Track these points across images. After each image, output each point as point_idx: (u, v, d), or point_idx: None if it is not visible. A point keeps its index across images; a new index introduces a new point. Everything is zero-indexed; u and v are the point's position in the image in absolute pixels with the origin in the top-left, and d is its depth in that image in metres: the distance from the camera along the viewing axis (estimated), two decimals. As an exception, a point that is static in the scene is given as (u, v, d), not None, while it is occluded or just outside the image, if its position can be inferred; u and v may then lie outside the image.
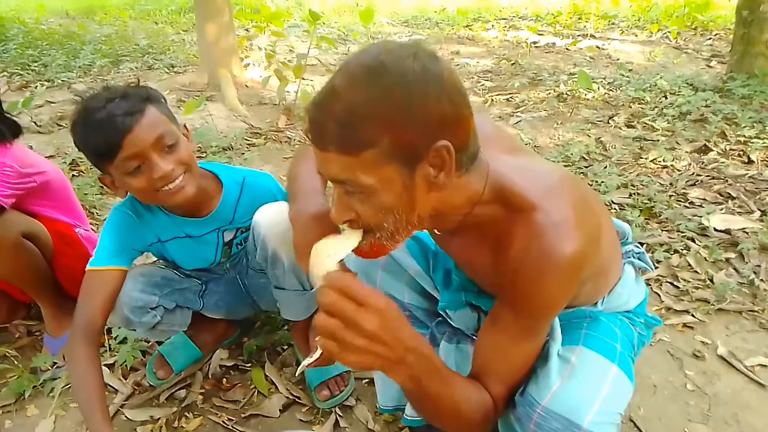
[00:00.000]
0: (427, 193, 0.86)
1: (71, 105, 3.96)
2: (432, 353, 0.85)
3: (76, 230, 1.80)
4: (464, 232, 1.00)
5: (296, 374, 1.59)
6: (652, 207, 2.39)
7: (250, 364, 1.71)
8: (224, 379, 1.67)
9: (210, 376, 1.68)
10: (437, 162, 0.83)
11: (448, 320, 1.22)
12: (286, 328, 1.81)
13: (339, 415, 1.52)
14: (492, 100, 3.92)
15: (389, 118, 0.81)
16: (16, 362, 1.73)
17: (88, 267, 1.38)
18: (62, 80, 4.45)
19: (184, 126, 1.38)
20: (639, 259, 1.23)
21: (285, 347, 1.77)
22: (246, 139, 3.36)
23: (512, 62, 4.74)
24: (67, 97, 4.12)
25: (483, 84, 4.28)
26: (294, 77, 3.75)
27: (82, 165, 3.01)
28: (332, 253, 0.92)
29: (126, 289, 1.42)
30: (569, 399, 0.93)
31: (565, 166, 2.79)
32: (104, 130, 1.22)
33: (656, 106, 3.52)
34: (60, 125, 3.61)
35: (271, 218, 1.40)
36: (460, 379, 0.92)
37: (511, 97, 3.91)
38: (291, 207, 1.15)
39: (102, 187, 2.71)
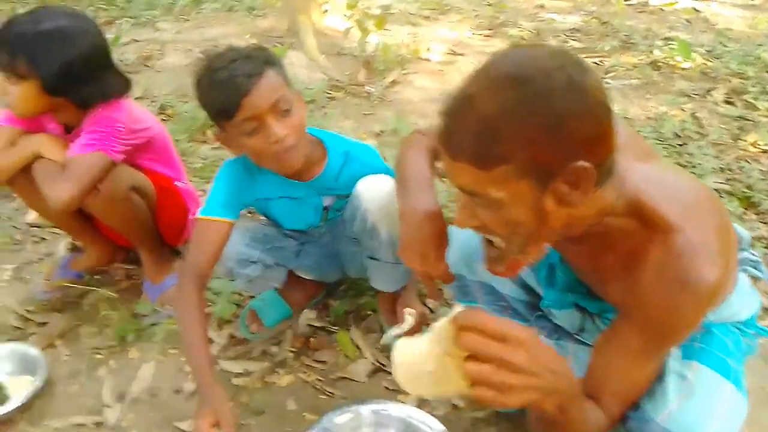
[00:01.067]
0: (558, 208, 0.84)
1: (157, 44, 4.06)
2: (572, 373, 0.84)
3: (176, 183, 1.86)
4: (587, 239, 0.97)
5: (382, 343, 1.63)
6: (751, 196, 2.28)
7: (335, 327, 1.77)
8: (312, 339, 1.73)
9: (298, 335, 1.75)
10: (573, 180, 0.81)
11: (551, 318, 1.21)
12: (370, 294, 1.85)
13: (424, 388, 1.56)
14: (579, 63, 3.75)
15: (529, 135, 0.78)
16: (117, 303, 1.84)
17: (199, 215, 1.44)
18: (146, 18, 4.50)
19: (299, 92, 1.40)
20: (755, 267, 1.19)
21: (369, 312, 1.81)
22: (326, 92, 3.35)
23: (602, 21, 4.50)
24: (151, 36, 4.18)
25: (570, 44, 4.09)
26: (375, 28, 3.68)
27: (169, 109, 3.08)
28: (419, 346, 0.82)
29: (233, 241, 1.49)
30: (686, 420, 0.92)
31: (658, 142, 2.67)
32: (225, 89, 1.27)
33: (759, 83, 3.29)
34: (146, 65, 3.69)
35: (373, 191, 1.43)
36: (584, 398, 0.92)
37: (600, 61, 3.73)
38: (401, 199, 1.15)
39: (197, 139, 2.79)
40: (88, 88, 1.53)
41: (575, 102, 0.77)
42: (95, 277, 1.95)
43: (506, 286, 1.27)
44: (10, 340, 1.73)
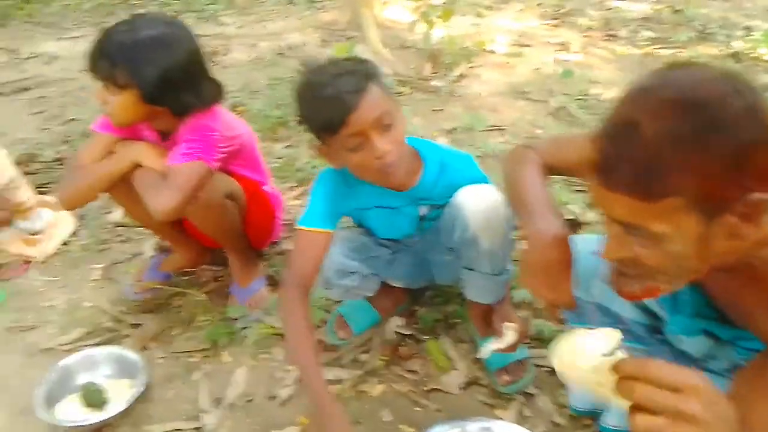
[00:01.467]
0: (723, 241, 0.79)
1: (221, 40, 4.08)
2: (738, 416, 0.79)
3: (263, 187, 1.87)
4: (735, 268, 0.92)
5: (479, 357, 1.59)
6: None
7: (424, 335, 1.74)
8: (401, 347, 1.72)
9: (386, 342, 1.73)
10: (747, 213, 0.75)
11: (675, 343, 1.16)
12: (458, 301, 1.82)
13: (522, 403, 1.53)
14: (653, 53, 3.61)
15: (703, 166, 0.73)
16: (207, 306, 1.86)
17: (300, 225, 1.46)
18: (210, 12, 4.54)
19: (398, 102, 1.38)
20: None
21: (458, 321, 1.78)
22: (393, 88, 3.31)
23: (675, 10, 4.31)
24: (215, 31, 4.22)
25: (642, 34, 3.94)
26: (442, 21, 3.61)
27: (239, 107, 3.09)
28: (592, 349, 0.79)
29: (331, 251, 1.50)
30: None
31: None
32: (331, 105, 1.26)
33: None
34: (213, 61, 3.70)
35: (475, 202, 1.40)
36: None
37: (677, 53, 3.58)
38: (525, 221, 1.11)
39: (270, 137, 2.80)
40: (186, 95, 1.54)
41: (754, 130, 0.72)
42: (182, 278, 1.97)
43: (626, 309, 1.21)
44: (104, 341, 1.78)
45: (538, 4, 4.68)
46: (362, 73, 1.30)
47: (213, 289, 1.96)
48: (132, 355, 1.65)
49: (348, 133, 1.27)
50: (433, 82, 3.36)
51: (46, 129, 3.05)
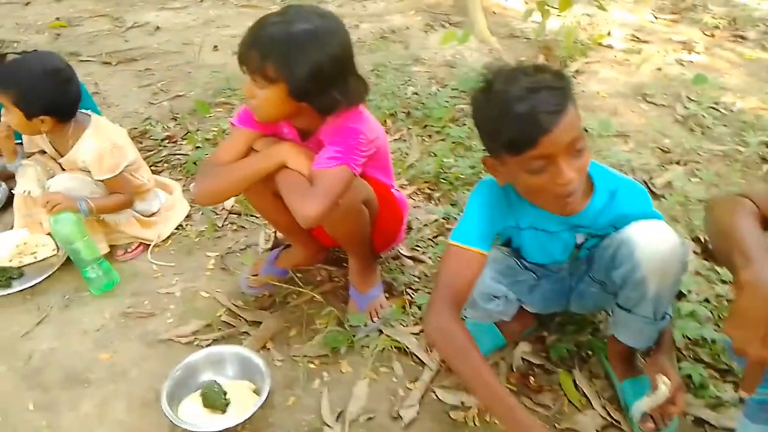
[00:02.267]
0: None
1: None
2: None
3: (392, 190, 1.78)
4: None
5: (630, 416, 1.45)
6: None
7: (555, 366, 1.63)
8: (530, 377, 1.61)
9: (514, 369, 1.63)
10: None
11: None
12: (590, 331, 1.70)
13: (668, 456, 1.40)
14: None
15: None
16: (323, 307, 1.80)
17: (456, 241, 1.35)
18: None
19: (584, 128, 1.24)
20: None
21: (590, 353, 1.66)
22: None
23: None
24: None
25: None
26: (559, 11, 3.39)
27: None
28: None
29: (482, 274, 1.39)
30: None
31: None
32: (523, 124, 1.14)
33: None
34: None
35: (652, 242, 1.26)
36: None
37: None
38: (743, 266, 0.96)
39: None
40: (333, 93, 1.45)
41: None
42: (297, 275, 1.92)
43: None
44: (222, 336, 1.75)
45: (655, -4, 4.37)
46: (561, 90, 1.16)
47: (329, 290, 1.90)
48: (256, 357, 1.60)
49: (535, 155, 1.15)
50: (547, 78, 3.17)
51: (153, 104, 3.06)
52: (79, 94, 1.92)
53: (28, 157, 2.06)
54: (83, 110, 1.99)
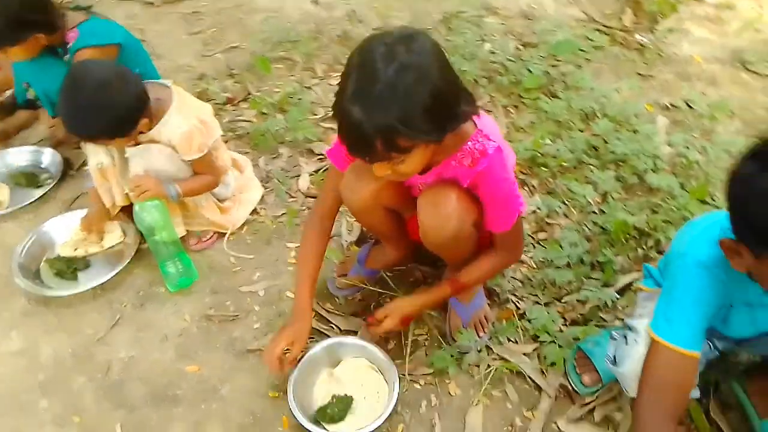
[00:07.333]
0: None
1: None
2: None
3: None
4: None
5: None
6: None
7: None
8: (658, 409, 1.47)
9: (638, 398, 1.49)
10: None
11: None
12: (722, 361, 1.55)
13: None
14: None
15: None
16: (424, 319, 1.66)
17: (665, 340, 1.14)
18: None
19: None
20: None
21: (722, 384, 1.51)
22: (587, 38, 2.85)
23: None
24: None
25: None
26: (648, -41, 3.04)
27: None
28: None
29: None
30: None
31: None
32: None
33: None
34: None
35: None
36: None
37: None
38: None
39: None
40: (448, 123, 1.20)
41: None
42: (388, 274, 1.75)
43: None
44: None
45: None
46: None
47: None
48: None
49: None
50: (638, 36, 2.87)
51: (207, 56, 2.80)
52: None
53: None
54: (158, 81, 1.78)
